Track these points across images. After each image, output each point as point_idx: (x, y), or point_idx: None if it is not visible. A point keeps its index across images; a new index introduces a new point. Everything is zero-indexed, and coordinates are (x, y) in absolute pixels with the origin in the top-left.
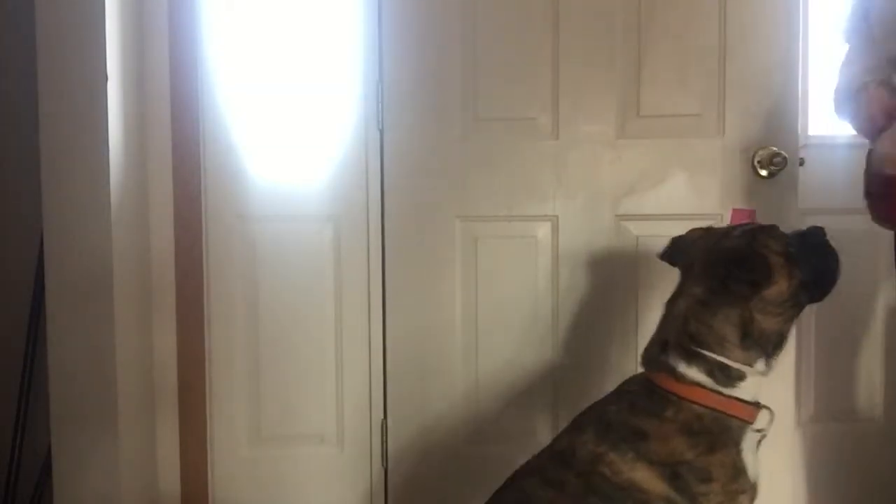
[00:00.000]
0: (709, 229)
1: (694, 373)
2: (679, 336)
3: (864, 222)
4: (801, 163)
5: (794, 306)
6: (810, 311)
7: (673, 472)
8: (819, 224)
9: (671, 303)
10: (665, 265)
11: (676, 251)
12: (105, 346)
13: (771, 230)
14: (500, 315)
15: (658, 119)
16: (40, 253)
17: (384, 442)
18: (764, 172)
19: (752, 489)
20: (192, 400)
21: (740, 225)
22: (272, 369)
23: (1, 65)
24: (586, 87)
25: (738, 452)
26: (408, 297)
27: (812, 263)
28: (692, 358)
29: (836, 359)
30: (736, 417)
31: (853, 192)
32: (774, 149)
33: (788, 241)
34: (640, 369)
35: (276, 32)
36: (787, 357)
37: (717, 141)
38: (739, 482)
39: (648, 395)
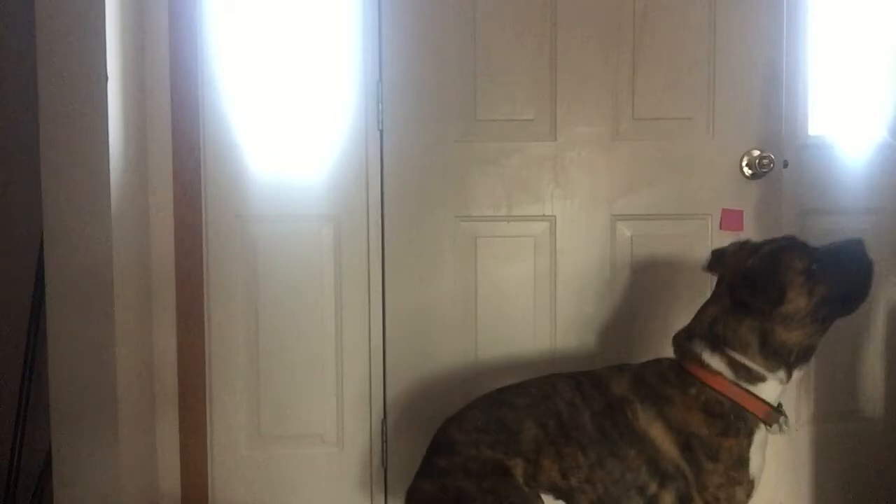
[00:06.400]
0: (745, 244)
1: (717, 362)
2: (706, 333)
3: (863, 222)
4: (785, 164)
5: (816, 321)
6: None
7: (686, 442)
8: (820, 223)
9: (705, 306)
10: (664, 265)
11: (715, 262)
12: (105, 346)
13: (797, 247)
14: (500, 314)
15: (651, 122)
16: (40, 253)
17: (384, 442)
18: (750, 173)
19: (750, 484)
20: (192, 400)
21: (772, 240)
22: (272, 369)
23: (1, 65)
24: (583, 90)
25: (748, 445)
26: (407, 297)
27: (838, 280)
28: (716, 349)
29: (837, 359)
30: (752, 413)
31: (853, 191)
32: (761, 151)
33: (814, 258)
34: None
35: (276, 32)
36: None
37: (707, 143)
38: (740, 472)
39: (677, 373)
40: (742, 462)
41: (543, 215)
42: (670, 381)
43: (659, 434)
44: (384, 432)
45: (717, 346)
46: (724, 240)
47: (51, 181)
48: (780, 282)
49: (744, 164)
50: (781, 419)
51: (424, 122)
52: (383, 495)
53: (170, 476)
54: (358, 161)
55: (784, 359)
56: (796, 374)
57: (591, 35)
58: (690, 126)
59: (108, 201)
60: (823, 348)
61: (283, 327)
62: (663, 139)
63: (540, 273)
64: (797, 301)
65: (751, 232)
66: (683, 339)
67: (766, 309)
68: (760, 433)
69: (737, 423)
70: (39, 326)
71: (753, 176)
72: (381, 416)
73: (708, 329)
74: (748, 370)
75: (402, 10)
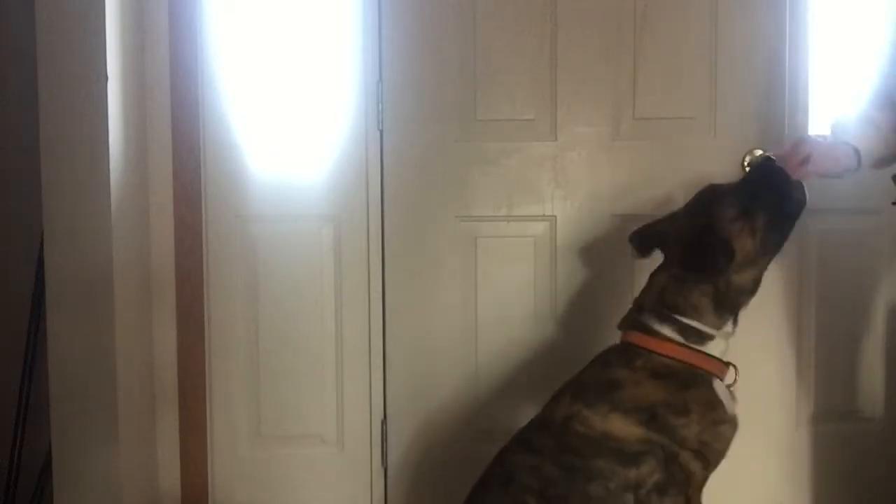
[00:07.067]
0: (673, 215)
1: (666, 330)
2: (655, 303)
3: (865, 222)
4: None
5: (765, 253)
6: (810, 311)
7: (650, 415)
8: (821, 223)
9: (654, 275)
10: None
11: (644, 242)
12: (105, 346)
13: (720, 196)
14: (500, 314)
15: (652, 121)
16: (40, 253)
17: (384, 442)
18: None
19: (732, 421)
20: (192, 400)
21: (694, 199)
22: (272, 369)
23: (1, 65)
24: (583, 89)
25: (712, 391)
26: (407, 297)
27: (770, 202)
28: (665, 319)
29: (837, 358)
30: (703, 369)
31: (854, 192)
32: (763, 151)
33: (740, 196)
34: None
35: (276, 32)
36: (788, 356)
37: (709, 142)
38: (717, 412)
39: (620, 352)
40: (714, 403)
41: (544, 215)
42: (613, 363)
43: (618, 425)
44: (384, 432)
45: (667, 314)
46: None
47: (51, 181)
48: (726, 241)
49: (746, 163)
50: (733, 373)
51: (424, 122)
52: (383, 495)
53: (170, 476)
54: (358, 161)
55: (735, 306)
56: (739, 316)
57: (592, 34)
58: (692, 125)
59: (108, 201)
60: (824, 348)
61: (283, 327)
62: (665, 139)
63: (540, 273)
64: (744, 245)
65: None
66: (633, 314)
67: (719, 271)
68: (719, 384)
69: (692, 377)
70: (39, 326)
71: None
72: (382, 417)
73: (657, 300)
74: (698, 332)
75: (402, 10)
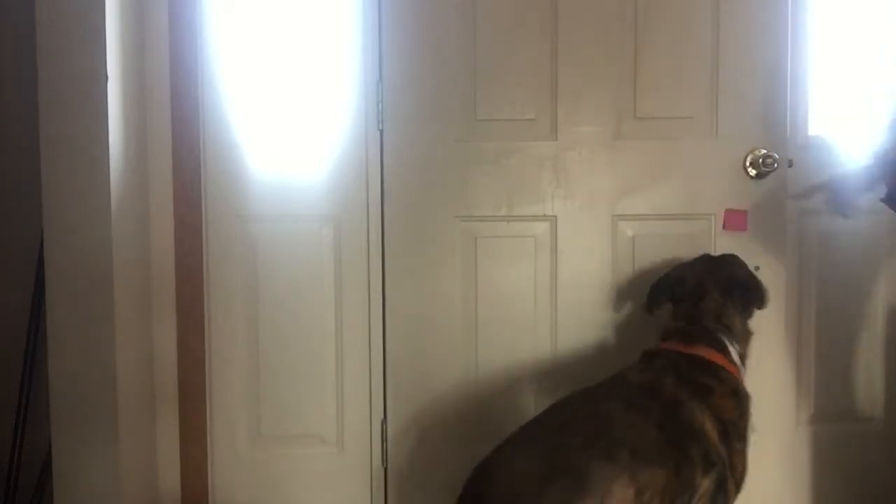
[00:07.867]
0: (681, 265)
1: (734, 351)
2: (717, 324)
3: (863, 222)
4: (790, 164)
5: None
6: (810, 311)
7: (724, 429)
8: (820, 223)
9: (694, 304)
10: (666, 266)
11: (664, 290)
12: (105, 346)
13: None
14: (500, 314)
15: (653, 121)
16: (40, 253)
17: (384, 442)
18: (754, 173)
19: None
20: (192, 400)
21: (706, 257)
22: (272, 369)
23: (1, 65)
24: (584, 89)
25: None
26: (408, 297)
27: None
28: (731, 342)
29: (837, 359)
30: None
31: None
32: (765, 150)
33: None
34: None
35: (276, 32)
36: (788, 356)
37: (710, 142)
38: (747, 446)
39: (700, 365)
40: (749, 437)
41: (544, 215)
42: (705, 370)
43: (708, 426)
44: (384, 432)
45: (730, 338)
46: (728, 240)
47: (51, 181)
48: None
49: (747, 163)
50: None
51: (424, 122)
52: (383, 495)
53: (170, 476)
54: (358, 161)
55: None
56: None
57: (593, 34)
58: (693, 125)
59: (108, 201)
60: (823, 348)
61: (283, 327)
62: (665, 138)
63: (540, 273)
64: None
65: (754, 232)
66: (697, 331)
67: (751, 311)
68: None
69: (748, 403)
70: (39, 326)
71: (758, 175)
72: (382, 417)
73: (719, 321)
74: (743, 358)
75: (402, 10)
